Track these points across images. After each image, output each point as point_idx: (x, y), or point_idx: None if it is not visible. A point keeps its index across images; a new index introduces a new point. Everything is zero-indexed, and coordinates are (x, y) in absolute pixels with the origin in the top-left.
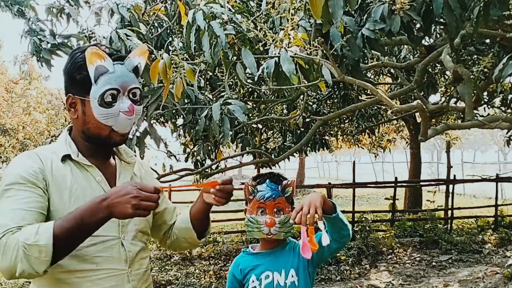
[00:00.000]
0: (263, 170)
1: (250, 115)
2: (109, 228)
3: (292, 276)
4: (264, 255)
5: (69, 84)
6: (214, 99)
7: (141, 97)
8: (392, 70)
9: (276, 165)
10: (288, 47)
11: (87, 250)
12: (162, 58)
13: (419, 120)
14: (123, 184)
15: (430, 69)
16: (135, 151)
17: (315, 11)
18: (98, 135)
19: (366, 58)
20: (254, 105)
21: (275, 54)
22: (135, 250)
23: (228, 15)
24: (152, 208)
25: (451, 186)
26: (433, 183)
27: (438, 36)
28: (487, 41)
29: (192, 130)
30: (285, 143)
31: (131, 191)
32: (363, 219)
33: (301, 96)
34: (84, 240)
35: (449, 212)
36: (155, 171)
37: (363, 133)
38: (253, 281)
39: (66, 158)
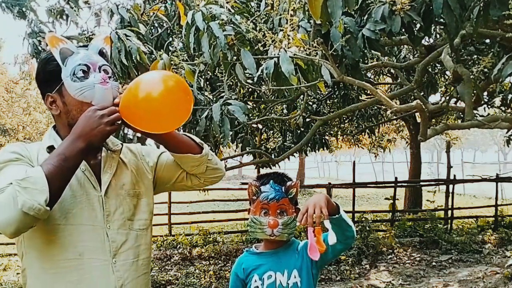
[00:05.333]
0: (263, 170)
1: (250, 115)
2: (93, 218)
3: (295, 277)
4: (267, 255)
5: (44, 86)
6: (214, 99)
7: (114, 75)
8: (392, 70)
9: (276, 165)
10: (288, 48)
11: (71, 239)
12: (162, 59)
13: (419, 120)
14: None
15: (430, 69)
16: None
17: (314, 12)
18: None
19: (366, 58)
20: (254, 105)
21: (274, 54)
22: (120, 240)
23: (227, 16)
24: (119, 117)
25: (451, 186)
26: (433, 183)
27: (438, 36)
28: (487, 41)
29: (192, 131)
30: (285, 143)
31: (94, 115)
32: (363, 219)
33: (301, 96)
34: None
35: (449, 212)
36: None
37: (363, 133)
38: (255, 281)
39: (51, 149)
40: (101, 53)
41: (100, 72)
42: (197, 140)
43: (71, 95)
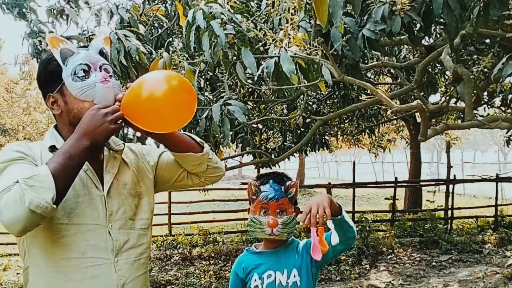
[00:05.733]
0: (263, 170)
1: (250, 115)
2: (96, 217)
3: (294, 276)
4: (267, 255)
5: (45, 86)
6: (214, 99)
7: (115, 74)
8: (392, 70)
9: (276, 165)
10: (288, 47)
11: (74, 238)
12: (162, 58)
13: (419, 120)
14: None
15: (430, 69)
16: None
17: (321, 17)
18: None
19: (366, 58)
20: (254, 105)
21: (275, 54)
22: (123, 239)
23: (227, 15)
24: (122, 115)
25: (451, 186)
26: (433, 183)
27: (438, 36)
28: (487, 41)
29: (192, 131)
30: (285, 143)
31: (98, 113)
32: (363, 219)
33: (301, 96)
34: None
35: (449, 212)
36: None
37: (363, 133)
38: (255, 280)
39: (53, 149)
40: (101, 53)
41: (101, 71)
42: (198, 139)
43: (73, 94)
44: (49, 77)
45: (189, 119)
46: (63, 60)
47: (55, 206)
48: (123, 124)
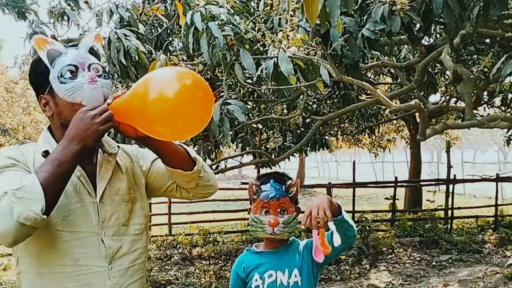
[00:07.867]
0: (263, 170)
1: (250, 115)
2: (89, 224)
3: (295, 276)
4: (268, 254)
5: (36, 88)
6: (214, 99)
7: (107, 72)
8: (392, 70)
9: (276, 165)
10: (287, 48)
11: (67, 245)
12: (160, 60)
13: (419, 120)
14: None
15: (430, 69)
16: None
17: (310, 16)
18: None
19: (366, 58)
20: (254, 105)
21: (274, 54)
22: (116, 246)
23: (226, 16)
24: (111, 115)
25: (451, 186)
26: (433, 183)
27: (438, 36)
28: (487, 41)
29: None
30: (285, 143)
31: (85, 116)
32: (363, 219)
33: (301, 96)
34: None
35: (449, 212)
36: None
37: (363, 133)
38: (256, 280)
39: (47, 154)
40: (92, 51)
41: (89, 71)
42: (192, 154)
43: (60, 97)
44: (39, 78)
45: (204, 126)
46: (50, 62)
47: (45, 217)
48: (114, 126)
